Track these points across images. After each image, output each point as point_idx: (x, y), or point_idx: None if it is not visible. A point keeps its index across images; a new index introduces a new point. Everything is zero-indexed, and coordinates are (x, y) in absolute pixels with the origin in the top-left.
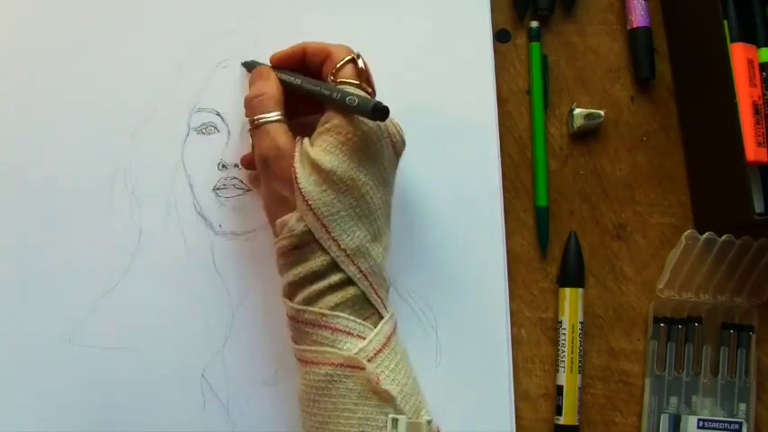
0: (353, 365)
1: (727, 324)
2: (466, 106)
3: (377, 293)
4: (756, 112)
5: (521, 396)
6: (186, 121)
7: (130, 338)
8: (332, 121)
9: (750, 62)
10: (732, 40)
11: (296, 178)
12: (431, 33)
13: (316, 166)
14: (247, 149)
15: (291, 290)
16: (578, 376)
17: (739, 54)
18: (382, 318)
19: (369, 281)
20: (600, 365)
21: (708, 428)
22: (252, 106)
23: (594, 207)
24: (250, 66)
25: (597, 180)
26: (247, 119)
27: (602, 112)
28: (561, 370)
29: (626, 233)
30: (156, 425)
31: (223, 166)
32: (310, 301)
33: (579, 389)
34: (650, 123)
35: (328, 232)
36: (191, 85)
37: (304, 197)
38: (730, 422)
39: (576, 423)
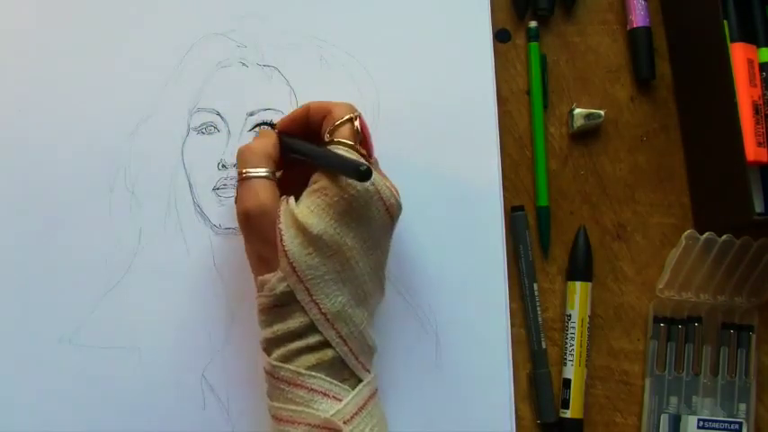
0: (330, 428)
1: (727, 324)
2: (466, 106)
3: (356, 358)
4: (756, 112)
5: (521, 396)
6: (186, 120)
7: (130, 338)
8: (319, 182)
9: (750, 62)
10: (732, 40)
11: (281, 239)
12: (431, 33)
13: (302, 228)
14: None
15: (269, 345)
16: (585, 370)
17: (739, 54)
18: (361, 381)
19: (348, 346)
20: (600, 365)
21: (708, 428)
22: (243, 158)
23: (594, 207)
24: (257, 127)
25: (597, 180)
26: (237, 171)
27: (602, 112)
28: (569, 363)
29: (626, 233)
30: (157, 425)
31: (223, 165)
32: (287, 358)
33: (586, 383)
34: (650, 123)
35: (310, 295)
36: (191, 85)
37: (288, 259)
38: (730, 422)
39: (582, 417)
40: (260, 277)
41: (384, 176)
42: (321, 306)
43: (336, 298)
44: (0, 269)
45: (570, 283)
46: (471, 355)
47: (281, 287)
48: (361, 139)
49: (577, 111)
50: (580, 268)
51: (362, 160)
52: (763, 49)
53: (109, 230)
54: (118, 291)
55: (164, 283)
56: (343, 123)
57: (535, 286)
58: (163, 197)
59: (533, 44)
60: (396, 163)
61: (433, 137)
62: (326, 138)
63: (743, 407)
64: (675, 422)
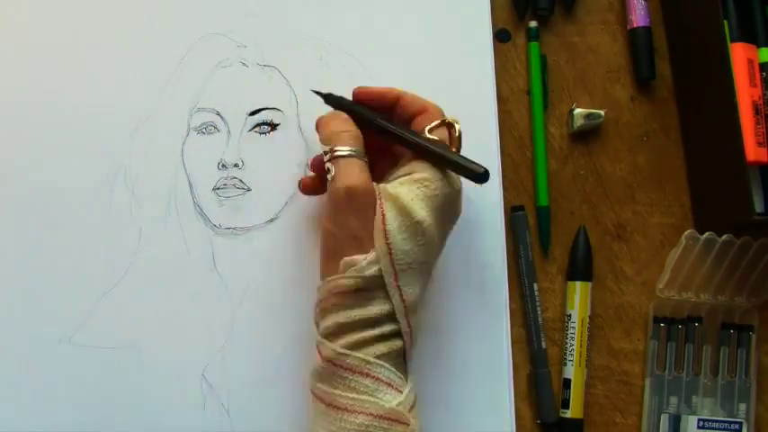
0: (394, 419)
1: (727, 324)
2: (466, 106)
3: (411, 351)
4: (756, 112)
5: (521, 396)
6: (186, 120)
7: (130, 338)
8: (421, 172)
9: (750, 62)
10: (732, 40)
11: (383, 219)
12: (431, 33)
13: (405, 213)
14: (246, 149)
15: (339, 330)
16: (585, 370)
17: (739, 54)
18: (409, 375)
19: (411, 337)
20: (600, 365)
21: (708, 428)
22: (340, 138)
23: (594, 207)
24: (328, 98)
25: (597, 180)
26: (327, 147)
27: (602, 112)
28: (569, 363)
29: (626, 233)
30: (157, 425)
31: (223, 165)
32: (356, 346)
33: (586, 383)
34: (650, 123)
35: (397, 281)
36: (191, 85)
37: (387, 240)
38: (730, 422)
39: (582, 417)
40: (347, 258)
41: None
42: (404, 294)
43: (414, 288)
44: (0, 269)
45: (570, 283)
46: (471, 355)
47: (372, 270)
48: (458, 146)
49: (577, 111)
50: (580, 268)
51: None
52: (763, 49)
53: (109, 230)
54: (118, 291)
55: (164, 283)
56: (440, 125)
57: (535, 286)
58: (163, 197)
59: (533, 44)
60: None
61: None
62: (426, 134)
63: (743, 407)
64: (675, 422)
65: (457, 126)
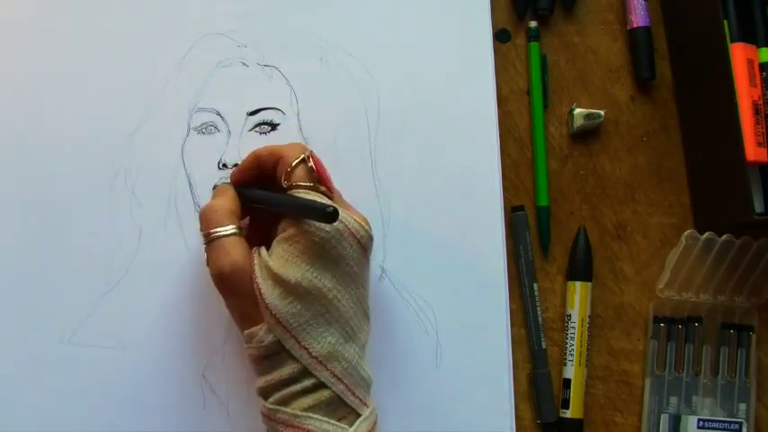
0: None
1: (727, 324)
2: (466, 106)
3: (353, 394)
4: (756, 112)
5: (521, 396)
6: (186, 120)
7: (130, 338)
8: (288, 230)
9: (750, 62)
10: (732, 40)
11: (260, 294)
12: (431, 33)
13: (279, 279)
14: (247, 149)
15: (264, 392)
16: (585, 370)
17: (739, 54)
18: (360, 416)
19: (344, 383)
20: (600, 365)
21: (708, 428)
22: (206, 219)
23: (594, 207)
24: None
25: (597, 180)
26: (202, 233)
27: (602, 112)
28: (569, 363)
29: (626, 233)
30: (157, 425)
31: (223, 165)
32: (284, 402)
33: (585, 383)
34: (650, 123)
35: (298, 342)
36: (191, 85)
37: (271, 312)
38: (730, 422)
39: (582, 417)
40: (246, 331)
41: (349, 208)
42: (311, 350)
43: (325, 339)
44: (0, 270)
45: (570, 283)
46: (472, 356)
47: (269, 338)
48: (318, 178)
49: (577, 111)
50: (580, 268)
51: (326, 200)
52: (763, 49)
53: (109, 230)
54: (118, 291)
55: (164, 283)
56: (297, 165)
57: (535, 286)
58: (163, 197)
59: (533, 44)
60: (396, 163)
61: (433, 137)
62: (284, 184)
63: (743, 407)
64: (675, 422)
65: (309, 162)
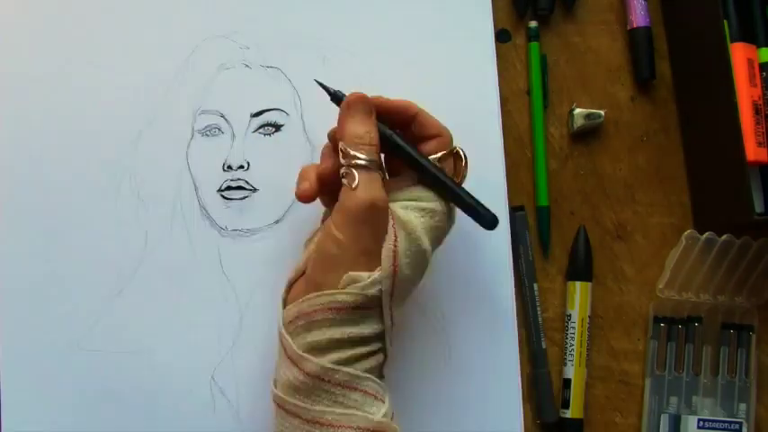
0: (381, 430)
1: (727, 324)
2: (470, 106)
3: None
4: (756, 112)
5: (524, 396)
6: (190, 123)
7: (139, 342)
8: (428, 202)
9: (750, 62)
10: (732, 40)
11: (395, 240)
12: (434, 33)
13: (413, 240)
14: (251, 150)
15: (328, 346)
16: (585, 370)
17: (739, 54)
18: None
19: (388, 354)
20: (600, 365)
21: (708, 428)
22: (364, 143)
23: (594, 207)
24: (334, 96)
25: (597, 180)
26: (350, 151)
27: (602, 112)
28: (569, 364)
29: (626, 233)
30: (167, 428)
31: (228, 167)
32: (347, 362)
33: (585, 383)
34: (650, 123)
35: (392, 304)
36: (194, 88)
37: (395, 263)
38: (730, 422)
39: (582, 417)
40: (352, 273)
41: None
42: (393, 317)
43: (400, 311)
44: (9, 276)
45: (570, 283)
46: (480, 356)
47: (374, 290)
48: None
49: (577, 111)
50: (580, 268)
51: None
52: (763, 49)
53: (115, 235)
54: (126, 295)
55: (171, 286)
56: (450, 154)
57: (535, 286)
58: (168, 200)
59: (533, 44)
60: None
61: None
62: (433, 158)
63: (743, 407)
64: (675, 422)
65: (464, 158)
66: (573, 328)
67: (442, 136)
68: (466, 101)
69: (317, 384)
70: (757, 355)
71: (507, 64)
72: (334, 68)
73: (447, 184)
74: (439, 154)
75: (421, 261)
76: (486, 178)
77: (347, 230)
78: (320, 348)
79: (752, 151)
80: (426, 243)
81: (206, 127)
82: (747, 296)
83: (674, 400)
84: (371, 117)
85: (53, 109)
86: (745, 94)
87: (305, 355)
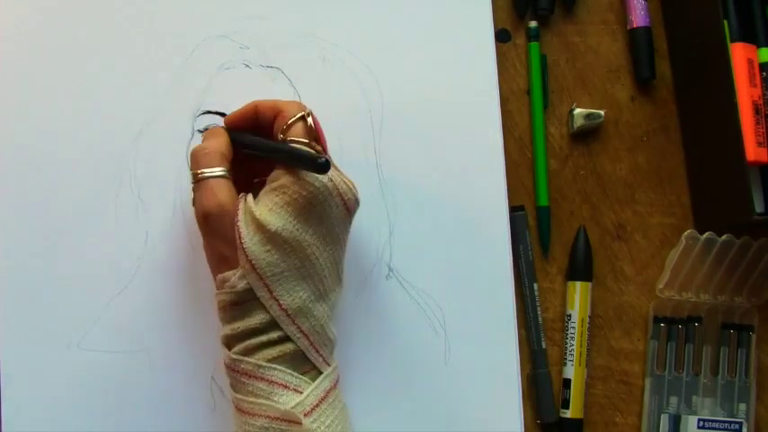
0: (289, 420)
1: (727, 324)
2: (470, 105)
3: (317, 351)
4: (756, 112)
5: (524, 396)
6: (190, 123)
7: (139, 342)
8: (279, 179)
9: (750, 62)
10: (732, 40)
11: (240, 237)
12: (434, 33)
13: (260, 226)
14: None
15: (229, 341)
16: (585, 370)
17: (739, 54)
18: (321, 373)
19: (309, 340)
20: (600, 365)
21: (708, 428)
22: (196, 159)
23: (594, 207)
24: (206, 129)
25: (597, 180)
26: (191, 171)
27: (602, 112)
28: (569, 363)
29: (626, 233)
30: (167, 427)
31: None
32: (248, 352)
33: (585, 383)
34: (650, 123)
35: (270, 292)
36: (194, 88)
37: (248, 257)
38: (730, 422)
39: (582, 417)
40: (220, 275)
41: (341, 172)
42: (281, 302)
43: (297, 294)
44: (8, 275)
45: (570, 283)
46: (480, 355)
47: (242, 284)
48: (316, 137)
49: (577, 111)
50: (580, 268)
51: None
52: (763, 49)
53: (115, 234)
54: (125, 294)
55: (171, 285)
56: (296, 122)
57: (535, 286)
58: (168, 200)
59: (533, 44)
60: (401, 162)
61: (437, 136)
62: (280, 137)
63: (743, 407)
64: (675, 422)
65: (308, 119)
66: (573, 328)
67: (282, 111)
68: (466, 101)
69: (232, 375)
70: (757, 355)
71: (507, 64)
72: (333, 68)
73: (270, 147)
74: (283, 126)
75: (281, 241)
76: (487, 178)
77: (204, 241)
78: (226, 343)
79: (752, 151)
80: (277, 223)
81: (206, 127)
82: (747, 296)
83: (673, 399)
84: (218, 132)
85: (53, 109)
86: (745, 94)
87: (223, 347)
